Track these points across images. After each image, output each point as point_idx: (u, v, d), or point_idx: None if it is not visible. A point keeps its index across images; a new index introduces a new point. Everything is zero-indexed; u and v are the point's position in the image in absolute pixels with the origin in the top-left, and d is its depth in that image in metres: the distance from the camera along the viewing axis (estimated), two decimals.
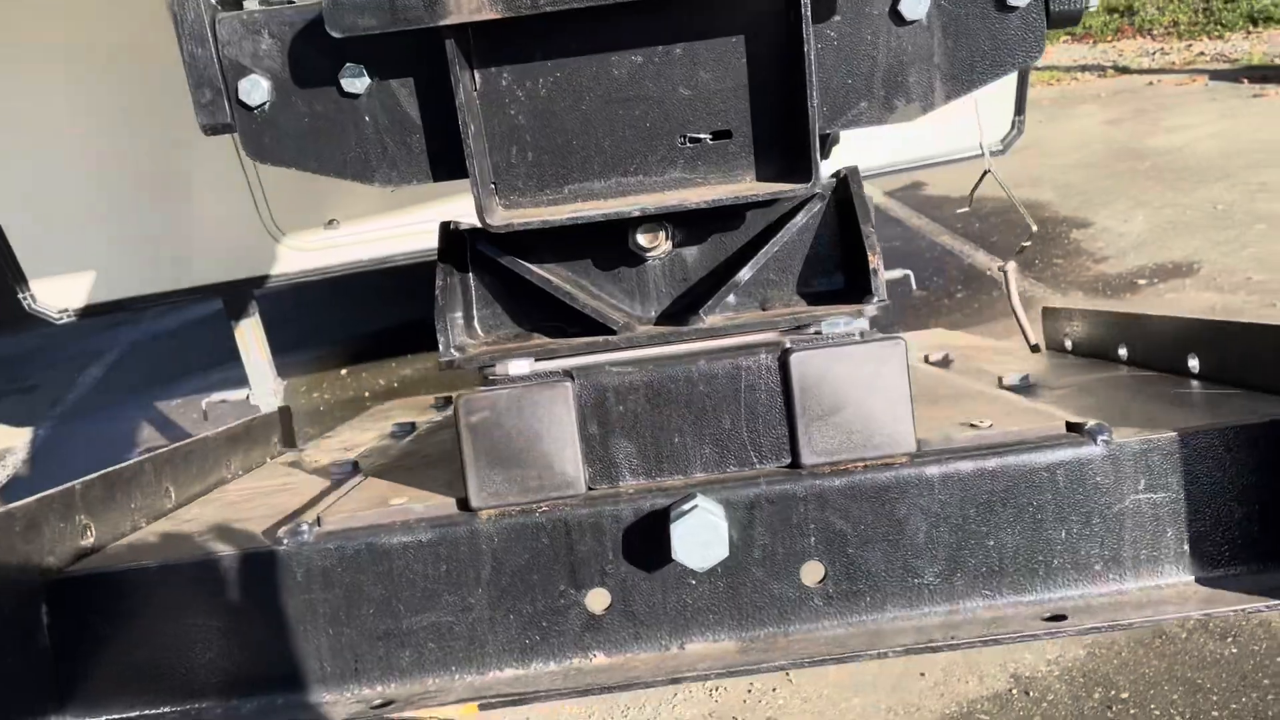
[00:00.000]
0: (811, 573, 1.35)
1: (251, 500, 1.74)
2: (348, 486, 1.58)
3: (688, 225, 1.59)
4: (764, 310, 1.61)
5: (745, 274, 1.57)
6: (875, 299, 1.51)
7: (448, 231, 1.61)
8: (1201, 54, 12.07)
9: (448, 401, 2.62)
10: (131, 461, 1.66)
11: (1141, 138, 8.87)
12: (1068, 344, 2.26)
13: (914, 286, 4.66)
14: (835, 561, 1.34)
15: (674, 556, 1.27)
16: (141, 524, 1.65)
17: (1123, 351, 1.98)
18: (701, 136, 1.50)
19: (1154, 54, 12.64)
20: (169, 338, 8.07)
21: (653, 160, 1.51)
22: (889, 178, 7.69)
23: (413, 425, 2.23)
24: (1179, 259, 6.15)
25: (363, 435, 2.31)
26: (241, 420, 2.20)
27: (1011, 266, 2.94)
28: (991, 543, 1.34)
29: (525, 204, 1.52)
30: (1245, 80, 10.20)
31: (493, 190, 1.50)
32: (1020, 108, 4.26)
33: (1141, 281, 5.98)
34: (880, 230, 7.59)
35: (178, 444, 1.86)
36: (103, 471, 1.58)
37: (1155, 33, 13.63)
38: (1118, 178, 7.91)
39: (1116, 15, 14.20)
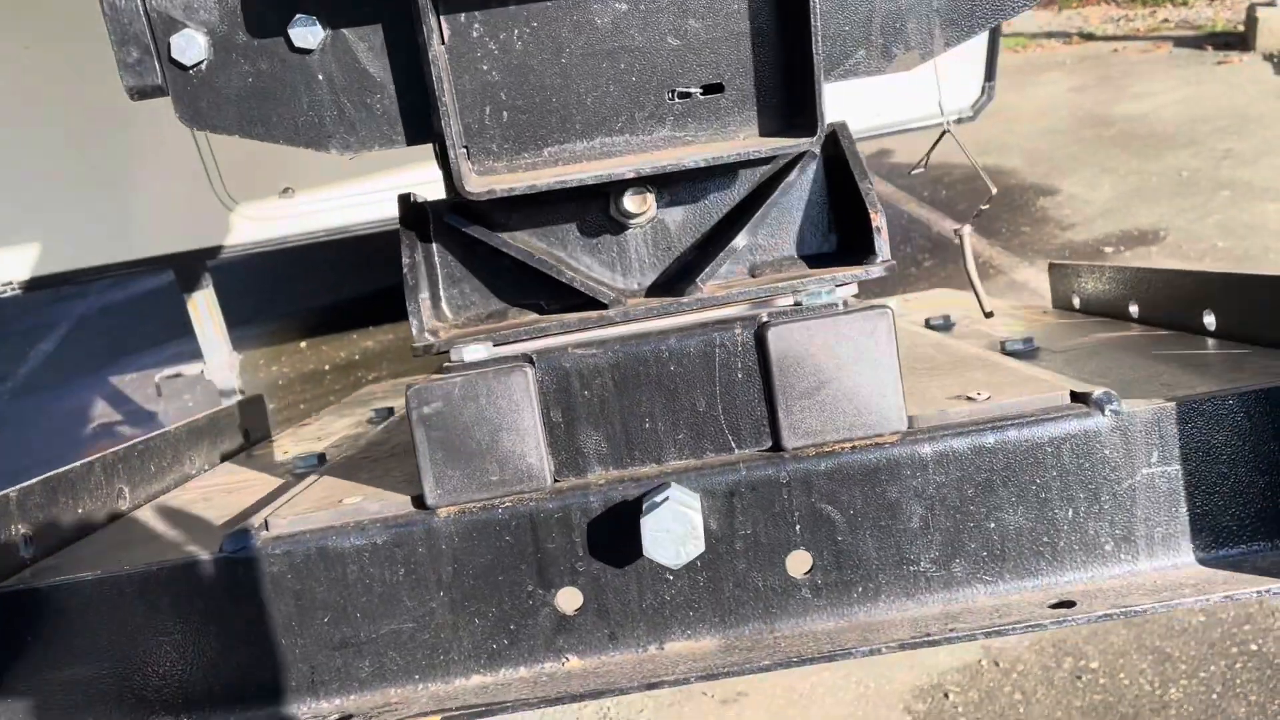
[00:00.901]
0: (798, 563, 1.26)
1: (209, 500, 1.64)
2: (303, 485, 1.48)
3: (674, 188, 1.47)
4: (754, 276, 1.50)
5: (740, 239, 1.45)
6: (879, 259, 1.40)
7: (408, 204, 1.48)
8: (1166, 20, 12.08)
9: None
10: (78, 463, 1.55)
11: (1107, 105, 8.87)
12: (1076, 302, 2.15)
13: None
14: (823, 550, 1.25)
15: (645, 553, 1.18)
16: (89, 529, 1.54)
17: (1134, 309, 1.87)
18: (691, 91, 1.38)
19: (1119, 20, 12.64)
20: (122, 311, 7.87)
21: (639, 118, 1.39)
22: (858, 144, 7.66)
23: (390, 411, 2.13)
24: (1145, 226, 6.15)
25: (340, 422, 2.20)
26: (206, 411, 2.08)
27: (967, 230, 2.88)
28: (992, 525, 1.25)
29: (500, 169, 1.38)
30: (1209, 47, 10.21)
31: (465, 154, 1.37)
32: (991, 73, 4.21)
33: (1108, 249, 5.98)
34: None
35: (133, 441, 1.73)
36: (43, 476, 1.46)
37: None
38: (1084, 144, 7.90)
39: None
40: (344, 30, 1.32)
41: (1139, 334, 1.80)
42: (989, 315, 2.31)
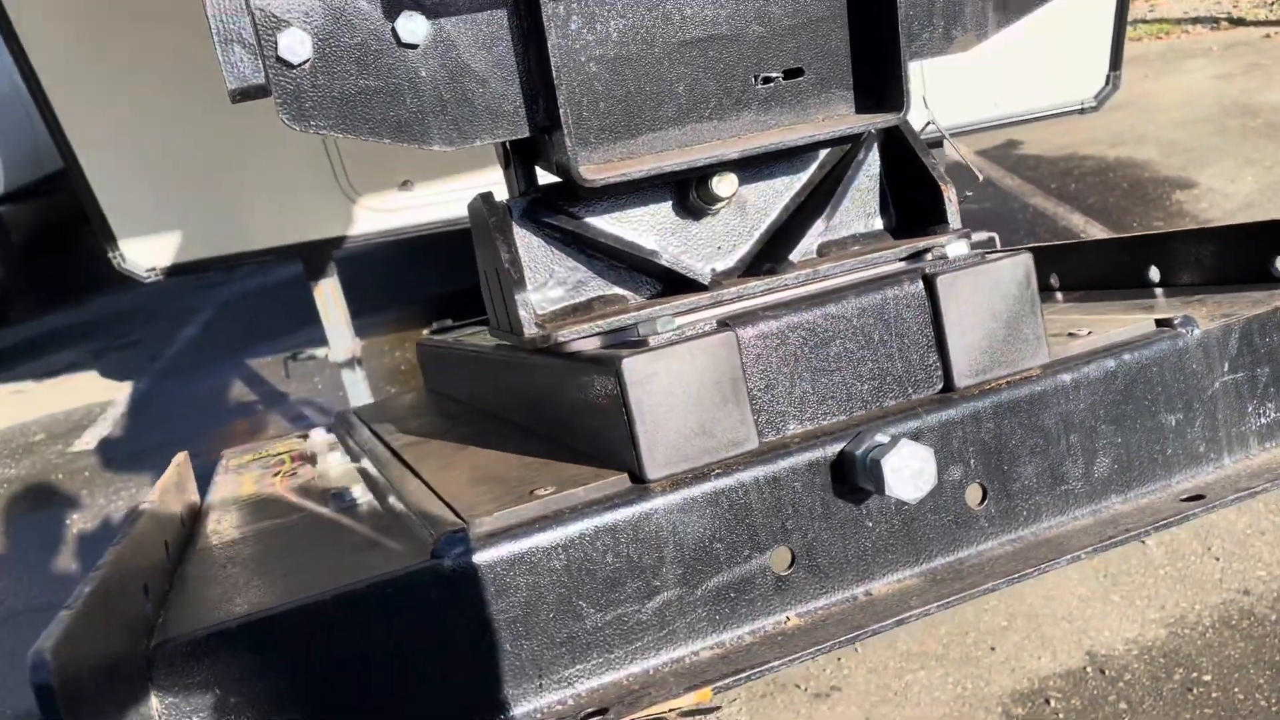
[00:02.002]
0: (973, 495, 1.35)
1: (287, 533, 1.56)
2: (423, 489, 1.44)
3: (752, 172, 1.54)
4: (822, 255, 1.57)
5: (820, 216, 1.53)
6: (952, 226, 1.50)
7: (493, 204, 1.52)
8: None
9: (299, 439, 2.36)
10: (128, 522, 1.38)
11: (1254, 93, 8.39)
12: None
13: (999, 247, 4.50)
14: (993, 481, 1.35)
15: (888, 492, 1.22)
16: (166, 585, 1.40)
17: (1054, 280, 2.13)
18: (774, 76, 1.45)
19: (1272, 4, 11.91)
20: (258, 296, 8.29)
21: (726, 104, 1.44)
22: (980, 135, 7.45)
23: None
24: None
25: (241, 483, 2.01)
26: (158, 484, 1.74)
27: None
28: (1120, 439, 1.40)
29: (597, 159, 1.41)
30: None
31: (580, 145, 1.39)
32: (1116, 62, 4.05)
33: None
34: (971, 190, 7.36)
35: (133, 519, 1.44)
36: (129, 523, 1.35)
37: None
38: (1226, 135, 7.50)
39: None
40: (448, 24, 1.34)
41: (1080, 295, 2.05)
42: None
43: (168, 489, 1.66)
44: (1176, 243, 1.84)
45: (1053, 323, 1.54)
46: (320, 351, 4.50)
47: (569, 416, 1.46)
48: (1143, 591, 3.19)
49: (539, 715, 1.17)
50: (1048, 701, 2.88)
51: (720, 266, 1.55)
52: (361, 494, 1.66)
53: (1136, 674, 2.91)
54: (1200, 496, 1.36)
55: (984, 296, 1.36)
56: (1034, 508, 1.36)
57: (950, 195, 1.49)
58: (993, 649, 3.08)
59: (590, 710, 1.15)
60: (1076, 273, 2.09)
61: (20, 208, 9.60)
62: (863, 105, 1.47)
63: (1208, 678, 2.85)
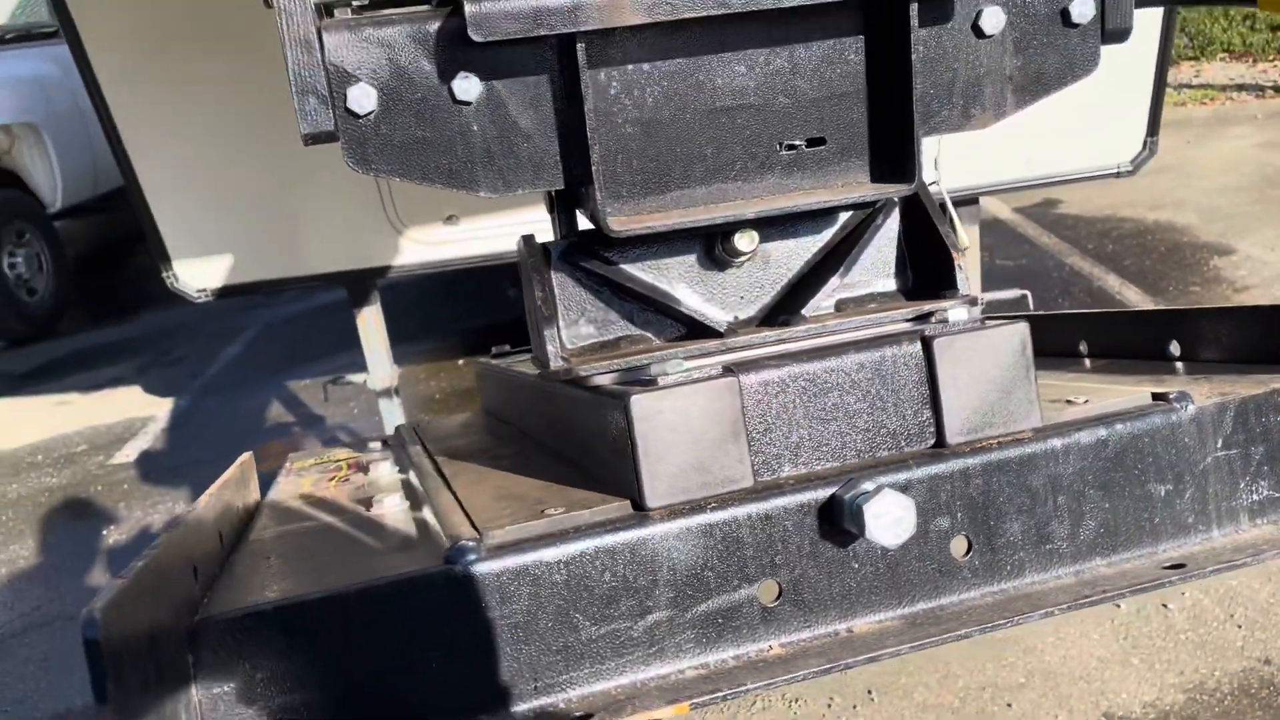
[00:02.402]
0: (958, 547, 1.41)
1: (320, 535, 1.69)
2: (453, 498, 1.56)
3: (773, 229, 1.64)
4: (838, 311, 1.66)
5: (835, 276, 1.63)
6: (962, 292, 1.58)
7: (533, 244, 1.65)
8: None
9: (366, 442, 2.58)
10: (194, 512, 1.52)
11: None
12: None
13: (1031, 309, 4.53)
14: (979, 535, 1.41)
15: (868, 536, 1.30)
16: (215, 570, 1.53)
17: (1083, 346, 2.18)
18: (797, 143, 1.55)
19: None
20: (300, 320, 8.46)
21: (752, 167, 1.55)
22: (1017, 194, 7.48)
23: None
24: None
25: (300, 485, 2.15)
26: (219, 479, 1.90)
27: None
28: (1107, 505, 1.46)
29: (627, 211, 1.54)
30: None
31: (609, 198, 1.53)
32: (1154, 128, 4.10)
33: None
34: (1007, 248, 7.40)
35: (192, 509, 1.61)
36: (193, 510, 1.48)
37: None
38: (1268, 204, 7.49)
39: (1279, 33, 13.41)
40: (498, 86, 1.47)
41: (1106, 363, 2.10)
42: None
43: (229, 484, 1.81)
44: (1195, 320, 1.91)
45: (1060, 388, 1.61)
46: (358, 377, 4.60)
47: (587, 444, 1.57)
48: (1163, 655, 3.18)
49: (532, 714, 1.28)
50: None
51: (739, 316, 1.66)
52: (400, 502, 1.80)
53: None
54: (1181, 565, 1.41)
55: (979, 360, 1.43)
56: (1018, 563, 1.42)
57: (960, 262, 1.58)
58: (1009, 705, 3.08)
59: (577, 715, 1.26)
60: (1104, 341, 2.15)
61: (76, 223, 9.88)
62: (878, 174, 1.56)
63: None
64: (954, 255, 1.57)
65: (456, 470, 1.86)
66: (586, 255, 1.62)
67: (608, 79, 1.48)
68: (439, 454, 2.09)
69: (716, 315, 1.63)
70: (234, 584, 1.44)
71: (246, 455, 2.13)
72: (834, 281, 1.62)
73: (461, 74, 1.45)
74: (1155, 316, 2.02)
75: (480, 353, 6.93)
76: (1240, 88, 11.76)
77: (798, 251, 1.66)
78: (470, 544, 1.28)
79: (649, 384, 1.38)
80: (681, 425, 1.36)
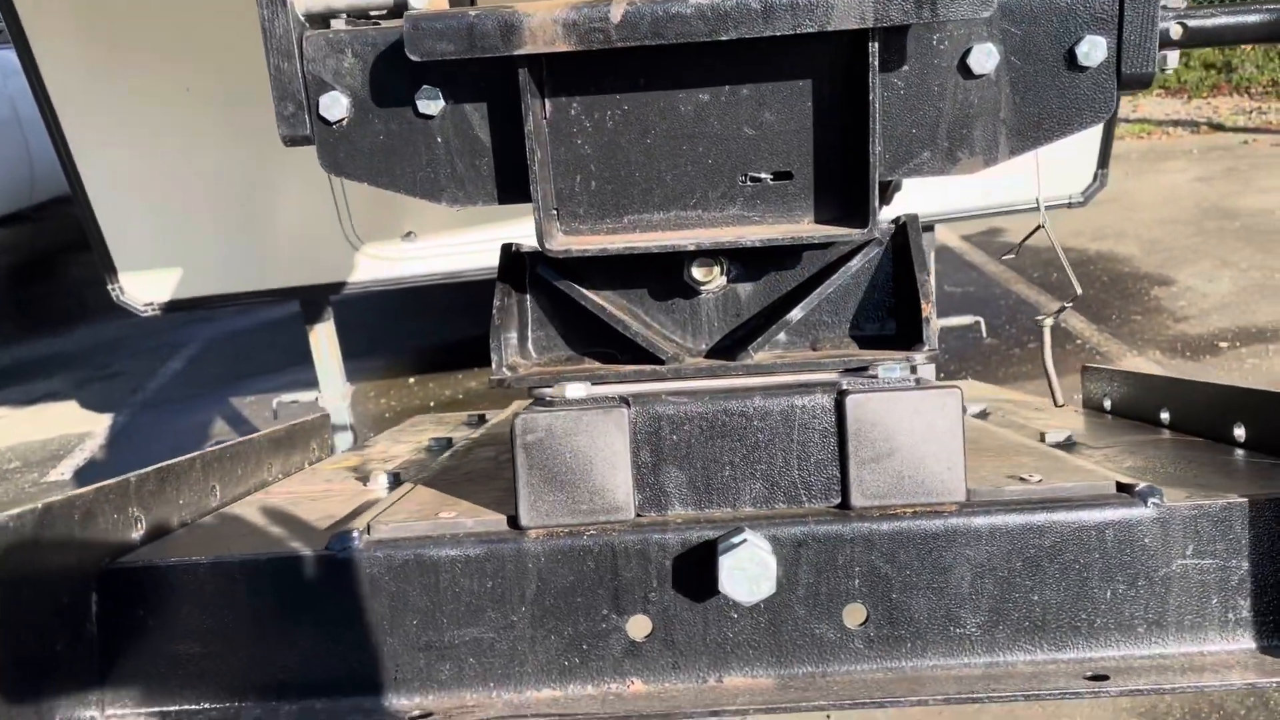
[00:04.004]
0: (854, 615, 1.34)
1: (296, 504, 1.77)
2: (394, 496, 1.61)
3: (743, 261, 1.60)
4: (814, 350, 1.61)
5: (796, 314, 1.57)
6: (925, 348, 1.50)
7: (509, 253, 1.65)
8: None
9: (481, 419, 2.66)
10: (182, 458, 1.69)
11: (1233, 197, 8.66)
12: (1106, 404, 2.25)
13: (984, 334, 4.60)
14: (878, 605, 1.33)
15: (721, 589, 1.27)
16: (188, 519, 1.68)
17: (1165, 415, 1.97)
18: (762, 176, 1.51)
19: (1250, 113, 12.33)
20: (245, 335, 8.30)
21: (713, 196, 1.52)
22: (965, 222, 7.62)
23: (449, 441, 2.27)
24: (1264, 324, 5.97)
25: (397, 447, 2.34)
26: (283, 424, 2.24)
27: (1048, 322, 2.93)
28: (1036, 597, 1.33)
29: (584, 231, 1.53)
30: None
31: (554, 216, 1.52)
32: (1104, 160, 4.20)
33: (1223, 344, 5.82)
34: (954, 275, 7.52)
35: (224, 443, 1.89)
36: (156, 466, 1.61)
37: (1253, 91, 13.31)
38: (1205, 236, 7.73)
39: (1213, 71, 13.90)
40: (461, 103, 1.49)
41: (1170, 438, 1.88)
42: (1059, 406, 2.37)
43: (246, 443, 2.01)
44: (1260, 402, 1.68)
45: (1054, 461, 1.52)
46: (307, 396, 4.51)
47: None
48: None
49: (387, 703, 1.36)
50: None
51: (698, 347, 1.63)
52: (386, 482, 1.87)
53: None
54: (1103, 678, 1.29)
55: (895, 423, 1.35)
56: (921, 643, 1.33)
57: (929, 315, 1.49)
58: None
59: (415, 714, 1.33)
60: (1184, 412, 1.92)
61: (10, 232, 9.62)
62: (836, 216, 1.50)
63: None
64: (923, 308, 1.50)
65: (444, 467, 1.89)
66: (558, 271, 1.61)
67: (568, 100, 1.48)
68: (474, 444, 2.16)
69: (667, 344, 1.60)
70: (187, 536, 1.59)
71: (319, 417, 2.42)
72: (789, 319, 1.57)
73: (425, 88, 1.47)
74: (1218, 393, 1.81)
75: (432, 371, 6.86)
76: (1176, 123, 12.14)
77: (767, 287, 1.62)
78: (352, 534, 1.36)
79: (548, 405, 1.40)
80: (565, 450, 1.37)
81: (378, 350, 7.31)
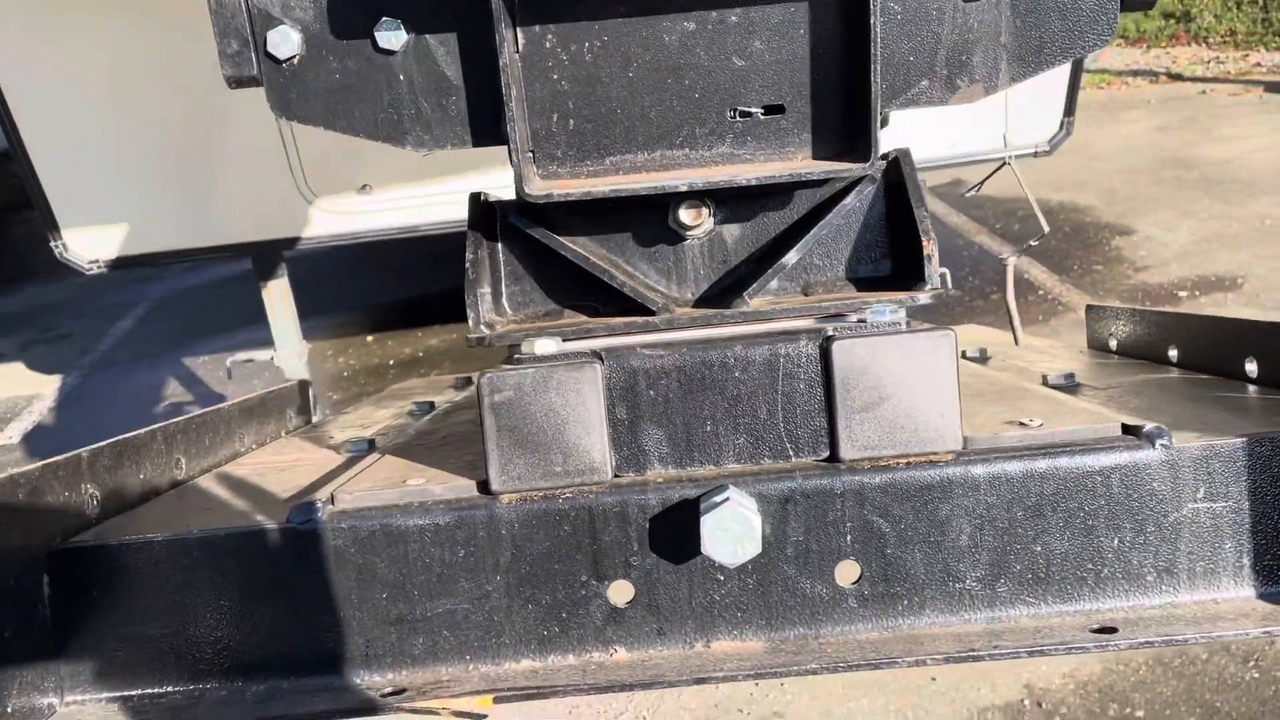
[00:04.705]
0: (846, 572, 1.28)
1: (264, 475, 1.70)
2: (363, 465, 1.53)
3: (732, 203, 1.50)
4: (806, 295, 1.52)
5: (791, 256, 1.48)
6: (928, 286, 1.41)
7: (478, 203, 1.54)
8: (1258, 65, 11.81)
9: (468, 382, 2.57)
10: (142, 431, 1.61)
11: (1191, 146, 8.70)
12: (1112, 344, 2.18)
13: (949, 285, 4.58)
14: (872, 562, 1.27)
15: (703, 550, 1.20)
16: (150, 495, 1.60)
17: (1173, 353, 1.89)
18: (753, 110, 1.41)
19: (1209, 62, 12.38)
20: (197, 294, 8.11)
21: (700, 133, 1.41)
22: (929, 174, 7.60)
23: (431, 405, 2.18)
24: (1223, 272, 6.02)
25: (380, 413, 2.26)
26: (257, 392, 2.15)
27: (1011, 260, 2.90)
28: (1039, 548, 1.27)
29: (563, 175, 1.43)
30: None
31: (530, 159, 1.41)
32: (1070, 108, 4.17)
33: (1183, 293, 5.86)
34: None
35: (191, 414, 1.81)
36: (111, 440, 1.53)
37: (1211, 41, 13.35)
38: (1164, 185, 7.76)
39: (1172, 21, 13.93)
40: (425, 35, 1.37)
41: (1179, 376, 1.80)
42: (1018, 345, 2.33)
43: (220, 412, 1.96)
44: (1273, 334, 1.59)
45: (1039, 409, 1.43)
46: (263, 355, 4.41)
47: None
48: None
49: (357, 680, 1.29)
50: None
51: (688, 294, 1.54)
52: (348, 453, 1.80)
53: (1072, 708, 2.96)
54: (1112, 630, 1.23)
55: (888, 369, 1.28)
56: (918, 600, 1.27)
57: (930, 252, 1.41)
58: (933, 679, 3.11)
59: (387, 690, 1.27)
60: (1193, 349, 1.85)
61: None
62: (833, 151, 1.42)
63: (1141, 714, 2.91)
64: (924, 244, 1.41)
65: (428, 429, 1.81)
66: (532, 220, 1.51)
67: (543, 31, 1.36)
68: (455, 408, 2.07)
69: (653, 293, 1.51)
70: (146, 512, 1.51)
71: (294, 383, 2.32)
72: (784, 263, 1.48)
73: (385, 20, 1.36)
74: (1227, 326, 1.74)
75: (391, 328, 6.75)
76: (1135, 73, 12.16)
77: (756, 230, 1.52)
78: (314, 505, 1.29)
79: (518, 362, 1.32)
80: (537, 410, 1.29)
81: (335, 307, 7.17)
